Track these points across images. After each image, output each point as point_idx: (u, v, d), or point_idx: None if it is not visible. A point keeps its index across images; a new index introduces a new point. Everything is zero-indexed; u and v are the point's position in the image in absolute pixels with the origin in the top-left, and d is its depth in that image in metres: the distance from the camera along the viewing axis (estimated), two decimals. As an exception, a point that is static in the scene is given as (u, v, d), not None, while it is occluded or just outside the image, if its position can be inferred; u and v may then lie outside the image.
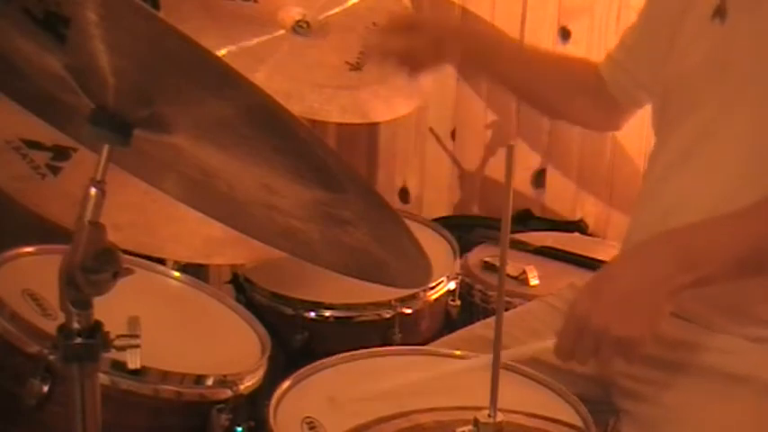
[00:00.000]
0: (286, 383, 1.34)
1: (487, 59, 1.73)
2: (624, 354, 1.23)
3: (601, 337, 1.22)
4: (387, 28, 1.74)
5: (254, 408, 1.43)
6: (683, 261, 1.24)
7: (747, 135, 1.37)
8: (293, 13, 1.98)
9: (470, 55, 1.72)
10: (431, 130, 2.65)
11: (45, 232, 1.53)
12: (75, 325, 0.99)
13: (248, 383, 1.43)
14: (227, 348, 1.53)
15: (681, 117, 1.46)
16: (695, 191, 1.41)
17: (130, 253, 1.54)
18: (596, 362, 1.26)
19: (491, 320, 1.63)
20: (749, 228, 1.27)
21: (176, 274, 1.67)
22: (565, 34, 2.49)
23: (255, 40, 1.90)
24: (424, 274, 1.09)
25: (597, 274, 1.33)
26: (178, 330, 1.54)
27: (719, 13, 1.39)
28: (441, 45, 1.66)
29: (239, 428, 1.42)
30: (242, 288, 1.84)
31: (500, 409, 0.98)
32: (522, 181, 2.57)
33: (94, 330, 1.00)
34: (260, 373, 1.47)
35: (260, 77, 1.82)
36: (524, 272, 1.95)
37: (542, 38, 2.49)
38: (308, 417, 1.28)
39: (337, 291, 1.75)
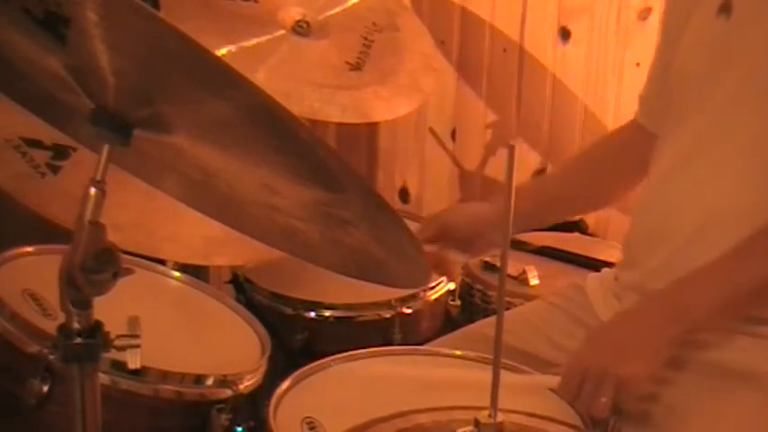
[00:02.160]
0: (286, 383, 1.34)
1: (526, 221, 1.66)
2: (624, 393, 1.32)
3: (601, 378, 1.30)
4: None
5: (254, 408, 1.43)
6: (671, 315, 1.34)
7: (751, 135, 1.36)
8: (293, 13, 1.98)
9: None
10: (431, 130, 2.65)
11: (45, 232, 1.53)
12: (75, 325, 0.99)
13: (248, 383, 1.43)
14: (227, 348, 1.53)
15: (684, 116, 1.45)
16: (697, 192, 1.41)
17: (130, 253, 1.54)
18: (600, 406, 1.31)
19: (491, 319, 1.62)
20: (725, 278, 1.34)
21: (176, 274, 1.67)
22: (565, 34, 2.49)
23: (255, 40, 1.90)
24: (424, 274, 1.10)
25: (596, 328, 1.46)
26: (178, 330, 1.54)
27: (725, 8, 1.38)
28: (472, 243, 1.64)
29: (239, 428, 1.42)
30: (242, 288, 1.84)
31: (500, 409, 0.98)
32: (522, 181, 2.56)
33: (94, 330, 1.00)
34: (260, 373, 1.47)
35: (260, 77, 1.82)
36: (524, 272, 1.94)
37: (542, 38, 2.49)
38: (308, 417, 1.28)
39: (337, 291, 1.75)
